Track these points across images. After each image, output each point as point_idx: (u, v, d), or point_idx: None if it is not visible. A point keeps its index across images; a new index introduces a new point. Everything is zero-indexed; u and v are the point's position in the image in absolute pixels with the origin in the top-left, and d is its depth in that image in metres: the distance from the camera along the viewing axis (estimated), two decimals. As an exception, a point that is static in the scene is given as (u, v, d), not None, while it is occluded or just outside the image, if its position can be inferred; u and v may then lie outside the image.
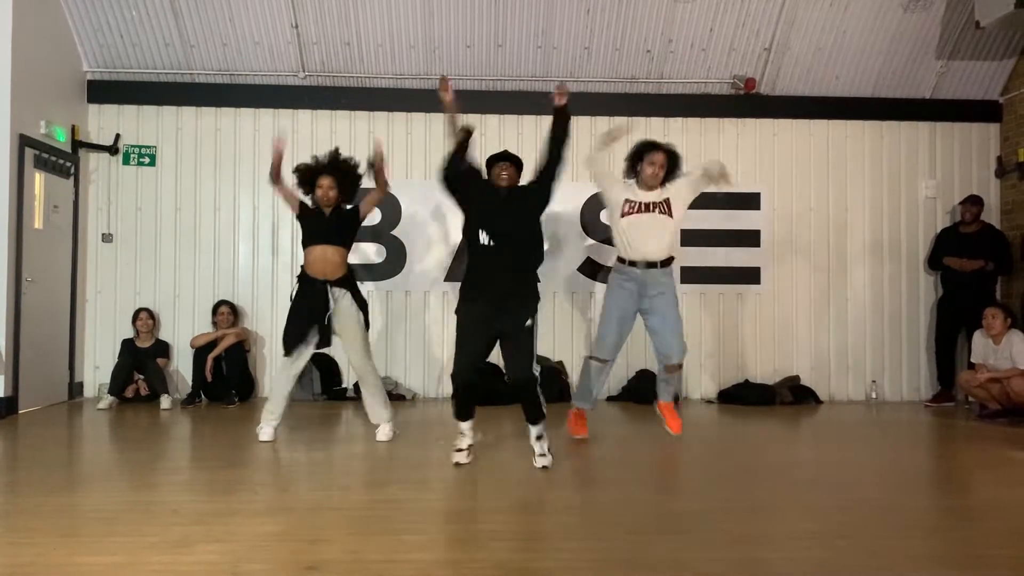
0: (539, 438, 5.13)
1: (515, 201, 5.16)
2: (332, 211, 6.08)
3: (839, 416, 7.86)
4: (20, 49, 7.23)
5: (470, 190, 5.24)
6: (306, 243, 6.05)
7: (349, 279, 6.09)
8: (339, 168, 6.11)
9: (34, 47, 7.49)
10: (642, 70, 8.65)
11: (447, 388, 8.46)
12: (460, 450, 5.25)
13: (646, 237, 5.81)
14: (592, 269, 8.57)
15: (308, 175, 6.09)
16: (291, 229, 8.56)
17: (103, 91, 8.52)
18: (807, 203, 8.87)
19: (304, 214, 6.12)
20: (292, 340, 5.95)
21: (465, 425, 5.26)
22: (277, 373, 6.23)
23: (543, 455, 5.09)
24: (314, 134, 8.62)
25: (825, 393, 8.70)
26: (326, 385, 8.29)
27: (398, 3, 8.09)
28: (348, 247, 6.12)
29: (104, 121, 8.54)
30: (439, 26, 8.25)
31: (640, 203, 5.83)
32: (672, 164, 5.90)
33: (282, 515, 4.09)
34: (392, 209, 8.56)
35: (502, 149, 5.40)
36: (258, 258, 8.58)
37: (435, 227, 8.61)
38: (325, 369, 8.32)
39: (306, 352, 6.01)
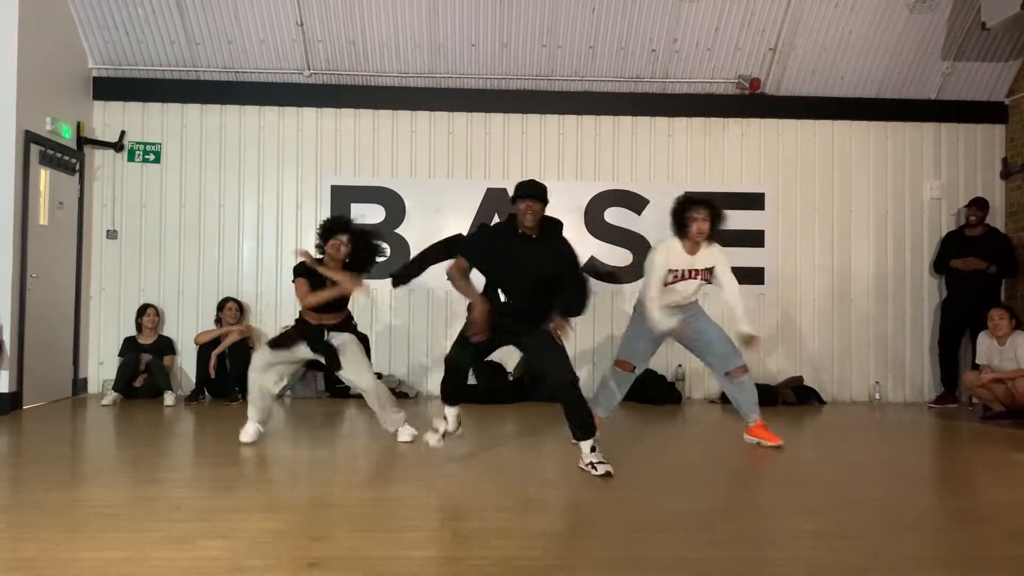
0: (593, 450, 4.87)
1: (543, 250, 4.89)
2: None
3: (842, 417, 7.85)
4: (26, 46, 7.25)
5: (495, 259, 4.96)
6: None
7: (347, 323, 6.02)
8: (360, 235, 5.95)
9: (40, 44, 7.51)
10: (647, 70, 8.64)
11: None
12: (436, 431, 5.13)
13: (685, 295, 5.85)
14: (595, 269, 8.56)
15: (329, 227, 5.94)
16: (295, 225, 8.59)
17: (108, 88, 8.54)
18: (811, 203, 8.86)
19: (309, 274, 5.83)
20: (284, 341, 5.91)
21: (451, 411, 5.13)
22: (251, 372, 5.98)
23: (602, 463, 4.83)
24: (319, 132, 8.63)
25: (828, 394, 8.69)
26: (329, 383, 8.30)
27: (403, 2, 8.09)
28: (345, 308, 5.99)
29: (109, 118, 8.56)
30: (444, 25, 8.26)
31: (684, 271, 5.80)
32: (715, 218, 5.79)
33: (284, 512, 4.09)
34: (396, 207, 8.58)
35: (527, 180, 5.05)
36: (262, 255, 8.60)
37: (439, 224, 8.61)
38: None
39: (290, 368, 5.98)
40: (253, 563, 3.34)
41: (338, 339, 5.90)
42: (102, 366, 8.44)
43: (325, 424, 7.06)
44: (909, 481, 5.19)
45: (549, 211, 5.07)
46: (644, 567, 3.39)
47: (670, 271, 5.78)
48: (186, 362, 8.40)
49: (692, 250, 5.80)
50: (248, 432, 5.86)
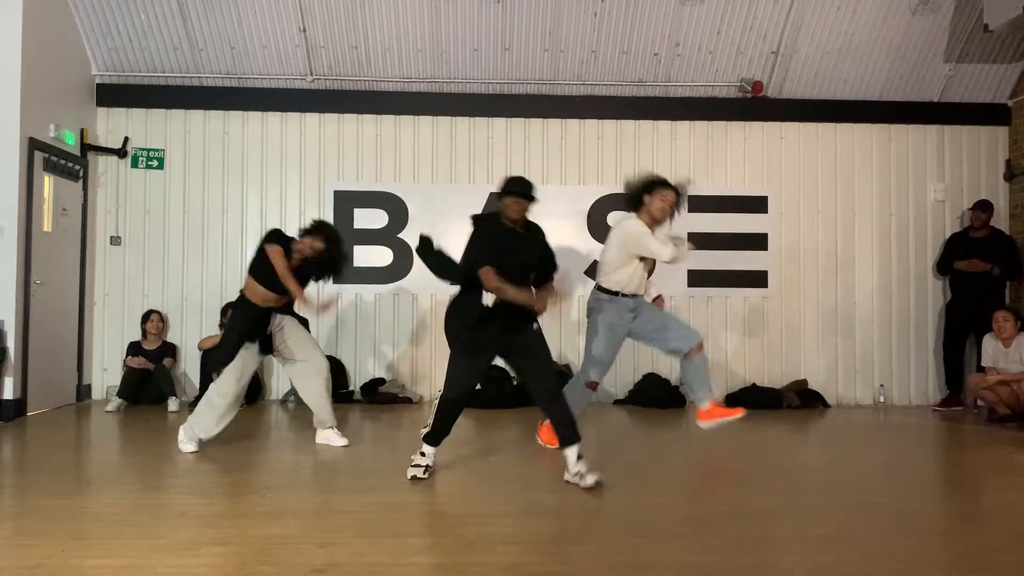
0: (579, 459, 4.81)
1: (530, 242, 4.99)
2: (296, 269, 5.79)
3: (847, 420, 7.83)
4: (30, 53, 7.27)
5: (503, 253, 4.89)
6: (253, 272, 5.85)
7: (290, 306, 6.01)
8: (334, 240, 5.88)
9: (44, 51, 7.53)
10: (649, 73, 8.64)
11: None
12: (419, 466, 4.97)
13: (642, 278, 5.80)
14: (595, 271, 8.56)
15: (311, 229, 5.90)
16: (298, 231, 8.58)
17: (112, 94, 8.56)
18: (814, 206, 8.85)
19: (286, 246, 5.80)
20: (220, 356, 5.88)
21: (433, 451, 5.05)
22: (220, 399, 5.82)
23: (590, 472, 4.75)
24: (321, 137, 8.65)
25: (833, 397, 8.67)
26: (332, 387, 8.27)
27: (405, 7, 8.11)
28: (286, 294, 5.89)
29: (113, 124, 8.58)
30: (446, 29, 8.27)
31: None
32: (679, 203, 5.79)
33: (289, 518, 4.09)
34: (399, 212, 8.59)
35: (516, 175, 5.08)
36: (265, 261, 8.59)
37: (442, 229, 8.60)
38: (332, 371, 8.30)
39: (250, 365, 5.91)
40: (259, 569, 3.34)
41: (282, 322, 5.93)
42: (106, 372, 8.45)
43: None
44: (914, 484, 5.18)
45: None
46: (648, 572, 3.39)
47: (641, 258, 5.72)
48: (190, 368, 8.40)
49: (651, 229, 5.69)
50: (193, 444, 5.77)
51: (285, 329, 5.98)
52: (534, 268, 5.02)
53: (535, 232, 5.07)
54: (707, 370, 5.88)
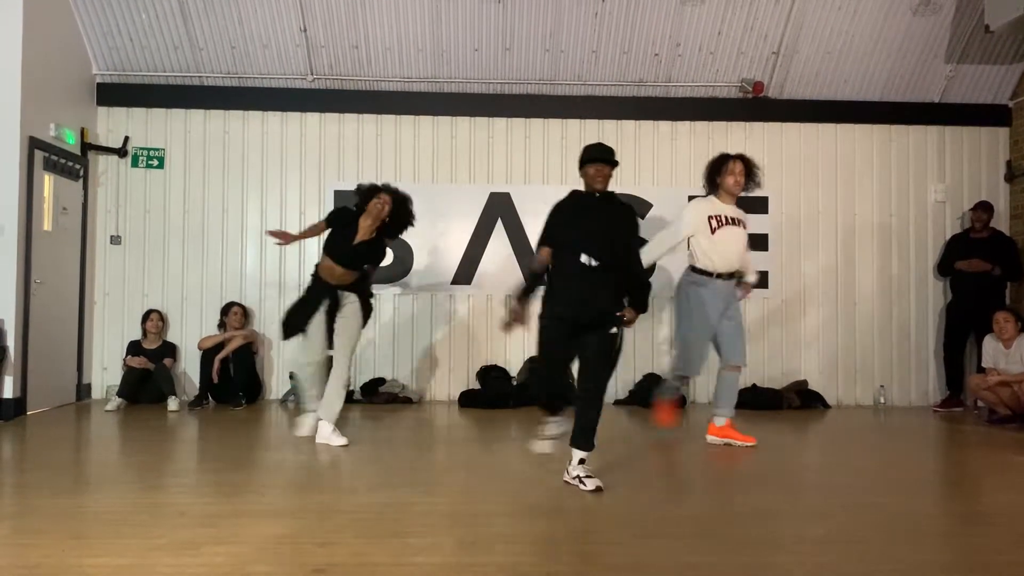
0: (582, 463, 4.76)
1: (612, 211, 4.92)
2: (367, 241, 6.01)
3: (847, 421, 7.83)
4: (30, 52, 7.26)
5: (564, 220, 4.92)
6: (327, 251, 6.05)
7: (359, 284, 6.12)
8: (401, 199, 6.11)
9: (44, 50, 7.53)
10: (650, 73, 8.64)
11: (453, 391, 8.52)
12: (545, 438, 5.20)
13: (730, 250, 6.08)
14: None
15: (370, 190, 6.08)
16: (298, 231, 8.58)
17: (112, 94, 8.56)
18: (815, 207, 8.85)
19: (340, 222, 6.05)
20: (293, 323, 6.03)
21: (554, 420, 5.18)
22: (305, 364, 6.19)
23: (590, 476, 4.71)
24: (322, 137, 8.65)
25: (833, 398, 8.67)
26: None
27: (406, 7, 8.10)
28: (361, 270, 6.12)
29: (113, 124, 8.58)
30: (447, 29, 8.26)
31: (725, 216, 6.08)
32: (749, 171, 6.14)
33: (289, 518, 4.09)
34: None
35: (596, 143, 5.02)
36: (266, 260, 8.60)
37: (442, 229, 8.62)
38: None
39: (317, 343, 6.03)
40: (258, 569, 3.34)
41: (346, 301, 6.03)
42: (106, 371, 8.45)
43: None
44: (914, 485, 5.17)
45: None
46: (649, 572, 3.38)
47: (711, 217, 6.03)
48: (190, 367, 8.40)
49: (728, 202, 6.14)
50: (307, 424, 5.96)
51: (344, 310, 6.05)
52: (619, 239, 4.84)
53: (618, 205, 4.96)
54: (737, 390, 6.31)
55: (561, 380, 5.01)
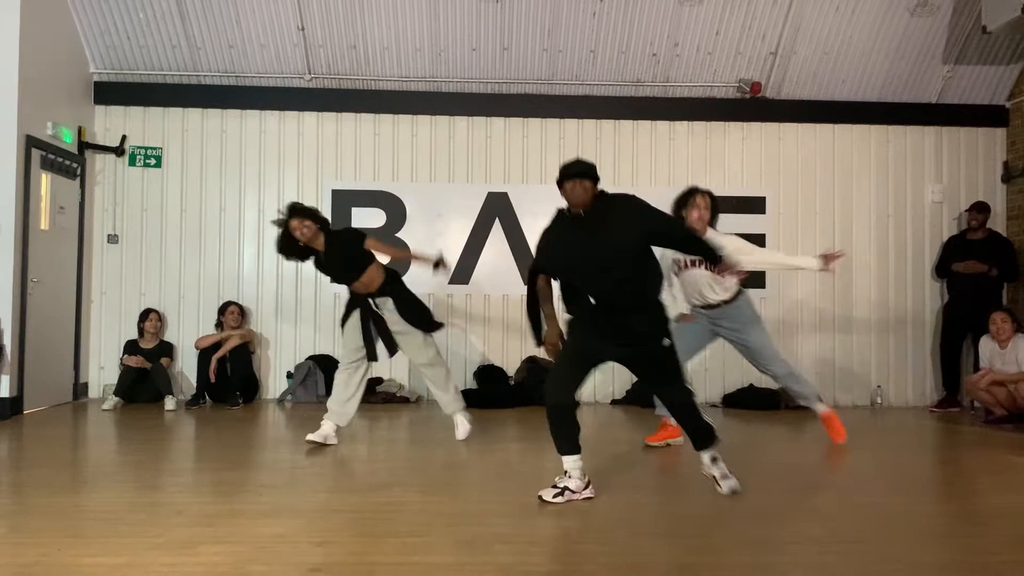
0: (714, 460, 4.53)
1: (605, 227, 4.32)
2: (327, 248, 5.93)
3: (844, 421, 7.77)
4: (27, 50, 7.25)
5: (554, 256, 4.48)
6: (337, 283, 6.18)
7: (388, 284, 6.07)
8: (299, 210, 5.93)
9: (41, 48, 7.52)
10: (648, 73, 8.64)
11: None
12: (555, 487, 4.46)
13: (699, 288, 5.92)
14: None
15: (282, 226, 5.94)
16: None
17: (110, 92, 8.55)
18: (812, 207, 8.85)
19: (317, 263, 6.06)
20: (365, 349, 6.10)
21: (571, 460, 4.49)
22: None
23: (726, 477, 4.47)
24: (319, 136, 8.64)
25: (830, 398, 8.65)
26: (329, 385, 8.27)
27: (404, 6, 8.10)
28: (369, 266, 6.00)
29: (110, 122, 8.57)
30: (445, 29, 8.26)
31: (685, 260, 5.88)
32: (715, 205, 5.92)
33: (287, 517, 4.08)
34: (396, 211, 8.58)
35: (573, 159, 4.46)
36: (263, 260, 8.59)
37: (440, 229, 8.61)
38: (328, 370, 8.30)
39: (348, 346, 6.07)
40: (256, 568, 3.33)
41: (383, 307, 6.07)
42: (103, 370, 8.44)
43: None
44: (911, 486, 5.17)
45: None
46: (648, 572, 3.38)
47: (673, 261, 5.87)
48: (187, 367, 8.39)
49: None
50: (321, 433, 5.90)
51: (389, 320, 6.09)
52: (625, 253, 4.31)
53: (609, 215, 4.33)
54: (803, 383, 6.45)
55: (573, 386, 4.49)
